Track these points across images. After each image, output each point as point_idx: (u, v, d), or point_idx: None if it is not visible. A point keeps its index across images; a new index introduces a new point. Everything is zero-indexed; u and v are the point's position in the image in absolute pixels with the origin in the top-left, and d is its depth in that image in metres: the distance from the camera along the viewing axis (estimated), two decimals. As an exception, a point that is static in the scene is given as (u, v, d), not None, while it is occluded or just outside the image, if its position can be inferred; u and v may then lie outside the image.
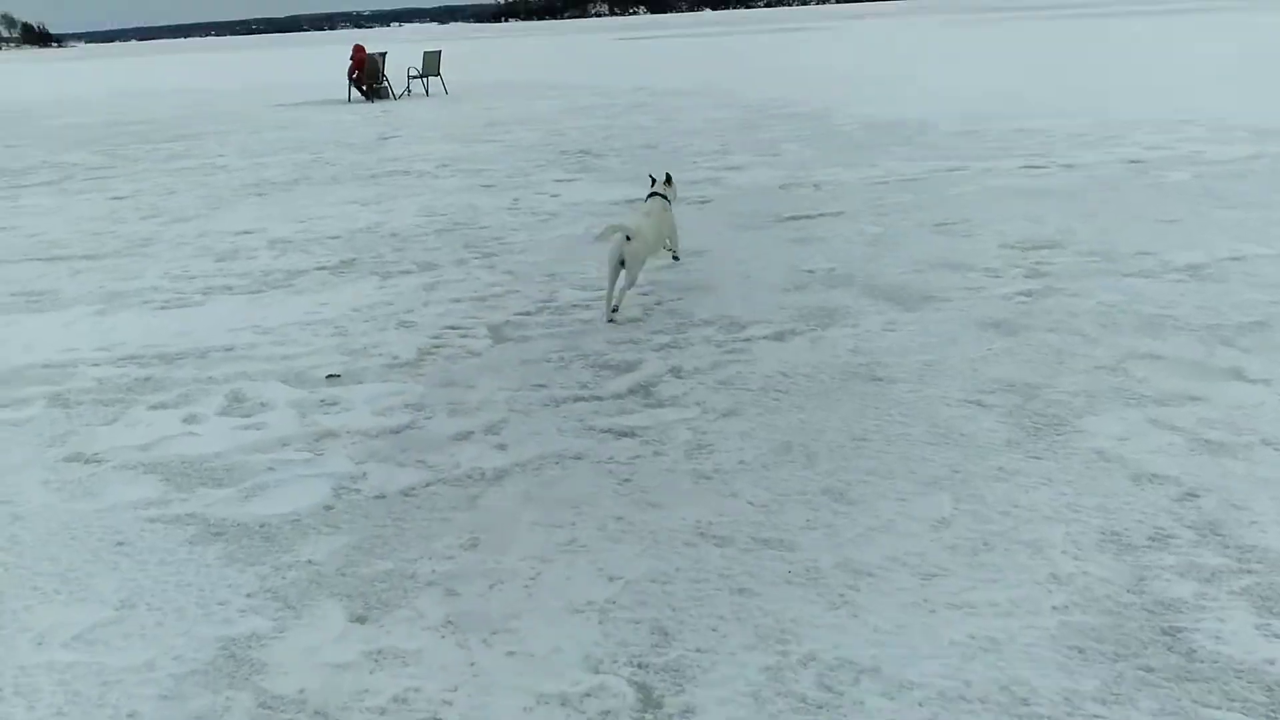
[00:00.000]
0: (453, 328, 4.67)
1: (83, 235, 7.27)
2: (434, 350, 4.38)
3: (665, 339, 4.39)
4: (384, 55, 19.83)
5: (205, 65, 45.70)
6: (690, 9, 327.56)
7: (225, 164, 11.01)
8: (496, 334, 4.57)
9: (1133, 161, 7.99)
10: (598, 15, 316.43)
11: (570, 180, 8.73)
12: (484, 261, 5.93)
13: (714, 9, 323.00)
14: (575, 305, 4.96)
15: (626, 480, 3.11)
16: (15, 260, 6.58)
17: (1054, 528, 2.76)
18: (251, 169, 10.49)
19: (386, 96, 19.62)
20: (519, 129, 13.04)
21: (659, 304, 4.91)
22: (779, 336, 4.33)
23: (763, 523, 2.83)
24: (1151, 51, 20.13)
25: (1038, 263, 5.24)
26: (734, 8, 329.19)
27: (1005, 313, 4.48)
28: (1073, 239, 5.69)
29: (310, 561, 2.74)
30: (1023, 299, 4.66)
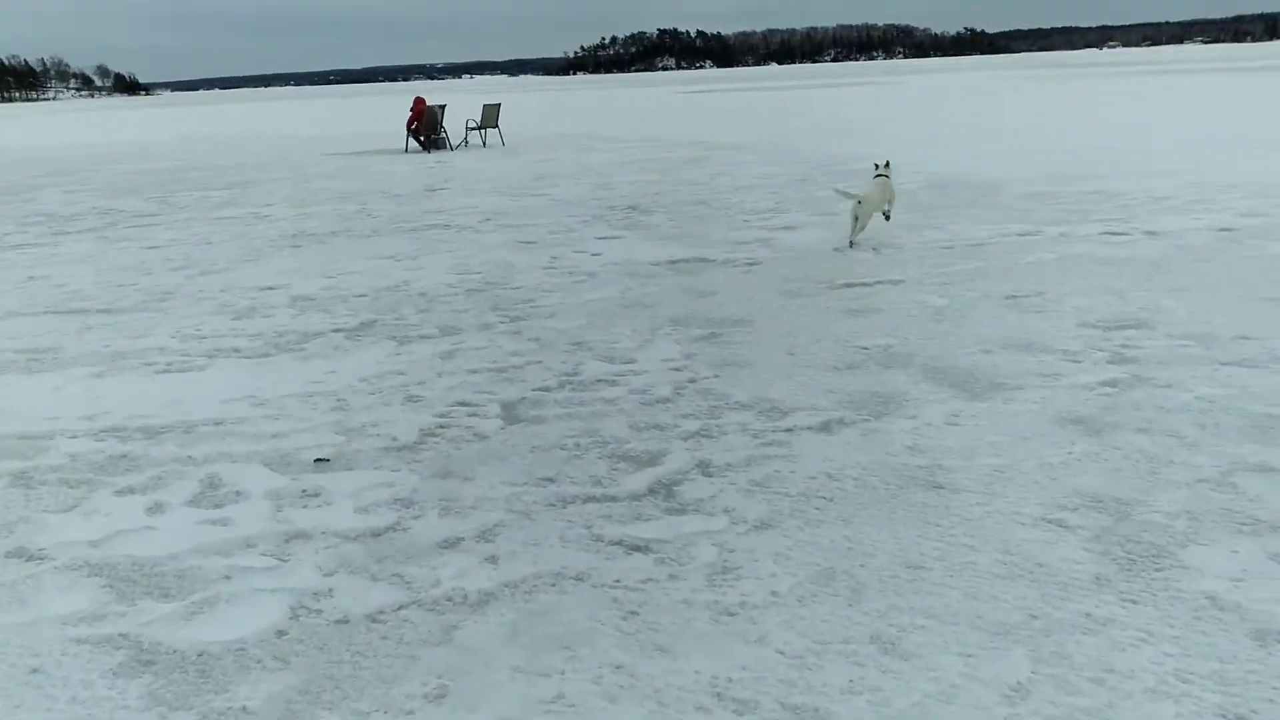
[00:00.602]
0: (463, 404, 4.23)
1: (106, 287, 7.06)
2: (438, 431, 3.95)
3: (695, 425, 3.89)
4: (443, 107, 19.91)
5: (278, 114, 47.00)
6: (756, 64, 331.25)
7: (270, 213, 10.89)
8: (509, 413, 4.12)
9: (1224, 230, 7.33)
10: (664, 69, 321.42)
11: (613, 238, 8.34)
12: (510, 326, 5.52)
13: (779, 63, 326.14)
14: (600, 380, 4.50)
15: (633, 613, 2.61)
16: (33, 313, 6.36)
17: (1161, 705, 2.18)
18: (295, 219, 10.33)
19: (444, 147, 19.65)
20: (568, 182, 12.78)
21: (692, 381, 4.42)
22: (825, 427, 3.81)
23: (795, 682, 2.30)
24: (1232, 110, 19.28)
25: (1123, 345, 4.64)
26: (800, 62, 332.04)
27: (1087, 407, 3.89)
28: (1162, 318, 5.08)
29: (245, 709, 2.28)
30: (1107, 390, 4.07)
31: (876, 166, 7.90)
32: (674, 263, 7.15)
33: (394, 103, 32.63)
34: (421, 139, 19.49)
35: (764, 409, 4.02)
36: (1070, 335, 4.84)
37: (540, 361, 4.81)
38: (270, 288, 6.82)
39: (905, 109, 26.32)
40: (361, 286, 6.71)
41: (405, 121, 19.85)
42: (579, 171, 14.09)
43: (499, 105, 20.49)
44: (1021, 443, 3.59)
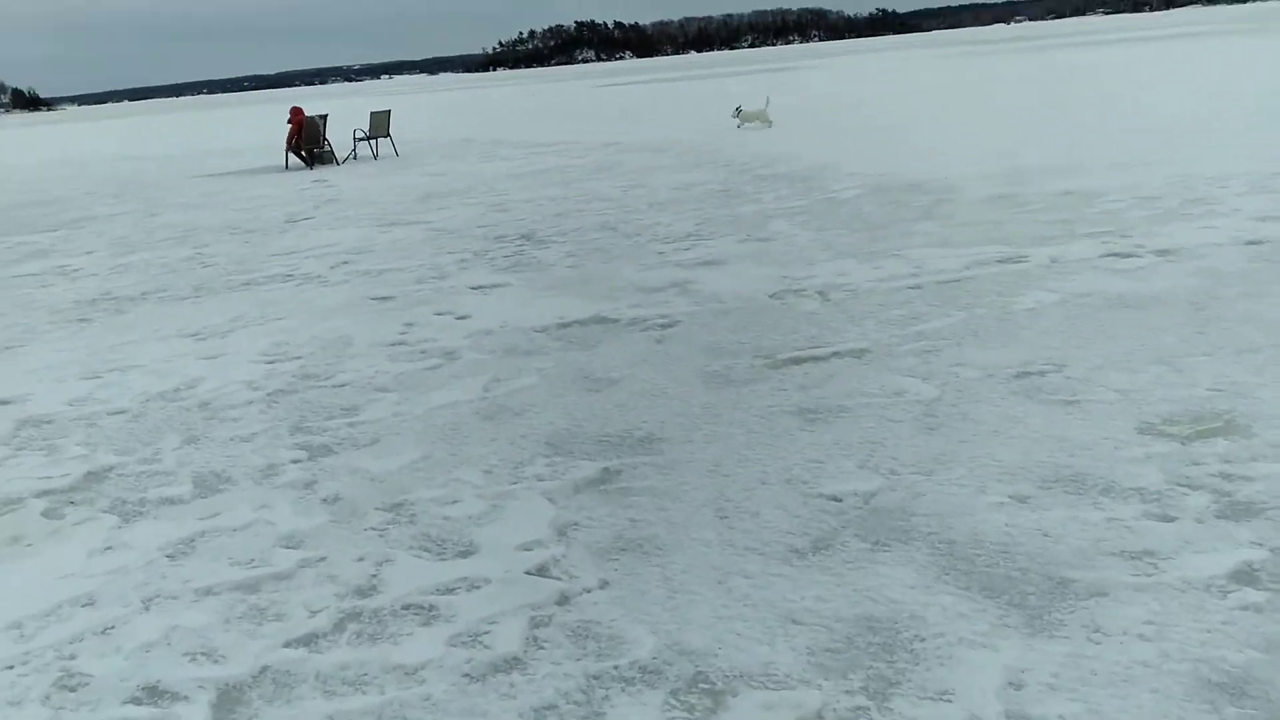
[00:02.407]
0: (149, 693, 2.43)
1: None
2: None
3: (558, 723, 2.17)
4: (325, 117, 17.82)
5: (173, 127, 43.90)
6: (676, 52, 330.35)
7: (81, 266, 8.85)
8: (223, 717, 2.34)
9: (1253, 243, 5.85)
10: (584, 61, 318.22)
11: (493, 288, 6.56)
12: (301, 472, 3.69)
13: (699, 51, 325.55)
14: (407, 609, 2.72)
15: None
16: None
17: None
18: (107, 274, 8.32)
19: (329, 162, 17.59)
20: (457, 203, 10.92)
21: (563, 603, 2.66)
22: (789, 723, 2.11)
23: None
24: (1186, 83, 18.18)
25: (1222, 474, 3.04)
26: (718, 48, 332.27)
27: (1230, 643, 2.26)
28: (1252, 406, 3.50)
29: None
30: (1246, 594, 2.44)
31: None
32: (565, 326, 5.40)
33: (307, 108, 30.08)
34: (303, 154, 17.40)
35: (682, 682, 2.30)
36: (1135, 455, 3.22)
37: (321, 561, 3.01)
38: (2, 402, 4.90)
39: (829, 97, 24.90)
40: (128, 395, 4.82)
41: (286, 136, 17.74)
42: (473, 187, 12.24)
43: (389, 112, 18.47)
44: (1148, 752, 1.94)
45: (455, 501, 3.32)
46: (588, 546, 2.93)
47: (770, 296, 5.65)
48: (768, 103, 16.67)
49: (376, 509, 3.33)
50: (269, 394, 4.65)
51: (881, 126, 15.12)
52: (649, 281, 6.31)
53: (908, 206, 8.08)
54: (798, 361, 4.45)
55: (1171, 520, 2.80)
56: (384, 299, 6.49)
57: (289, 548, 3.12)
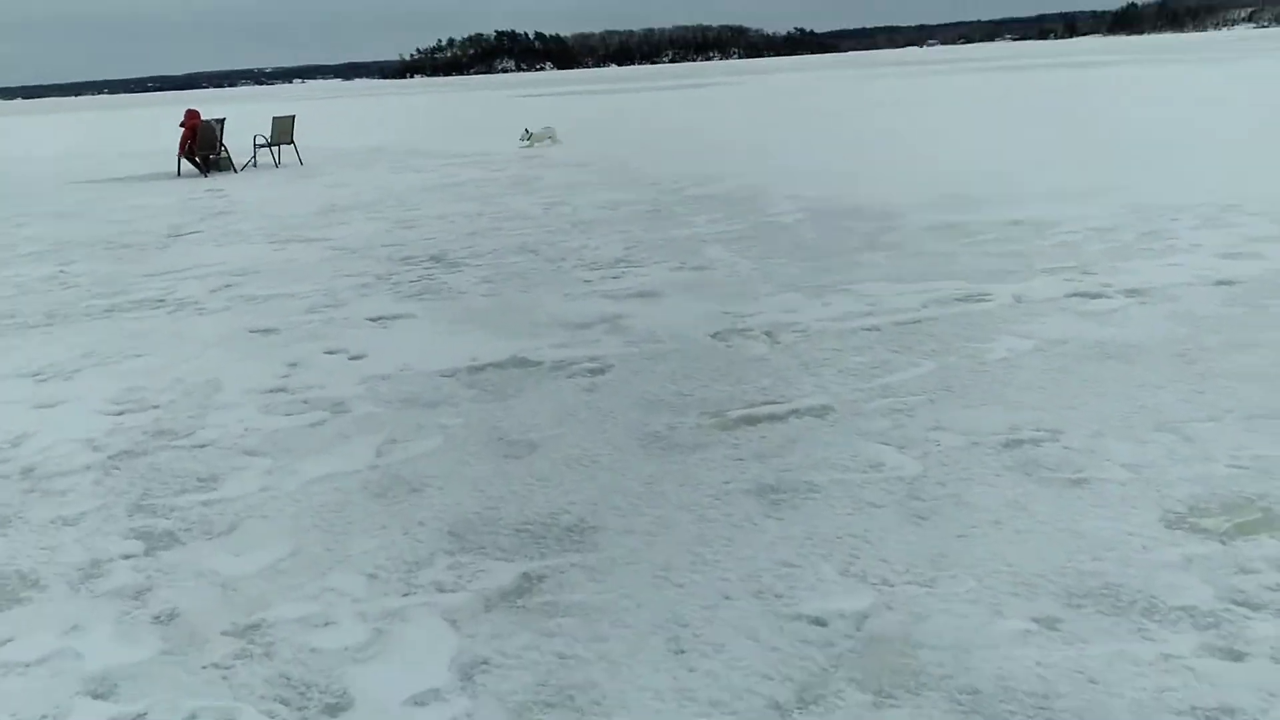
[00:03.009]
0: None
1: None
2: None
3: None
4: (222, 121, 16.61)
5: (61, 128, 41.38)
6: (596, 65, 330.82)
7: (-81, 283, 7.71)
8: None
9: (1222, 283, 5.46)
10: (504, 71, 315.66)
11: (395, 319, 5.77)
12: (131, 574, 2.88)
13: (619, 65, 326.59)
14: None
15: None
16: None
17: None
18: (-53, 293, 7.23)
19: (227, 169, 16.41)
20: (361, 217, 10.05)
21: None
22: None
23: None
24: (1112, 108, 18.33)
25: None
26: (639, 63, 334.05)
27: None
28: (1286, 490, 2.99)
29: None
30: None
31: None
32: (477, 370, 4.66)
33: (207, 111, 28.30)
34: (196, 160, 16.18)
35: None
36: (1170, 559, 2.66)
37: None
38: None
39: (754, 114, 24.62)
40: (-71, 455, 3.91)
41: (179, 140, 16.48)
42: (380, 200, 11.36)
43: (293, 118, 17.35)
44: None
45: (328, 624, 2.56)
46: (501, 700, 2.21)
47: (712, 336, 5.01)
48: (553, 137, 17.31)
49: (224, 633, 2.54)
50: (110, 456, 3.80)
51: (815, 146, 14.75)
52: (575, 315, 5.61)
53: (852, 234, 7.57)
54: (751, 421, 3.81)
55: (1241, 658, 2.23)
56: (267, 331, 5.64)
57: (96, 697, 2.32)
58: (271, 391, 4.50)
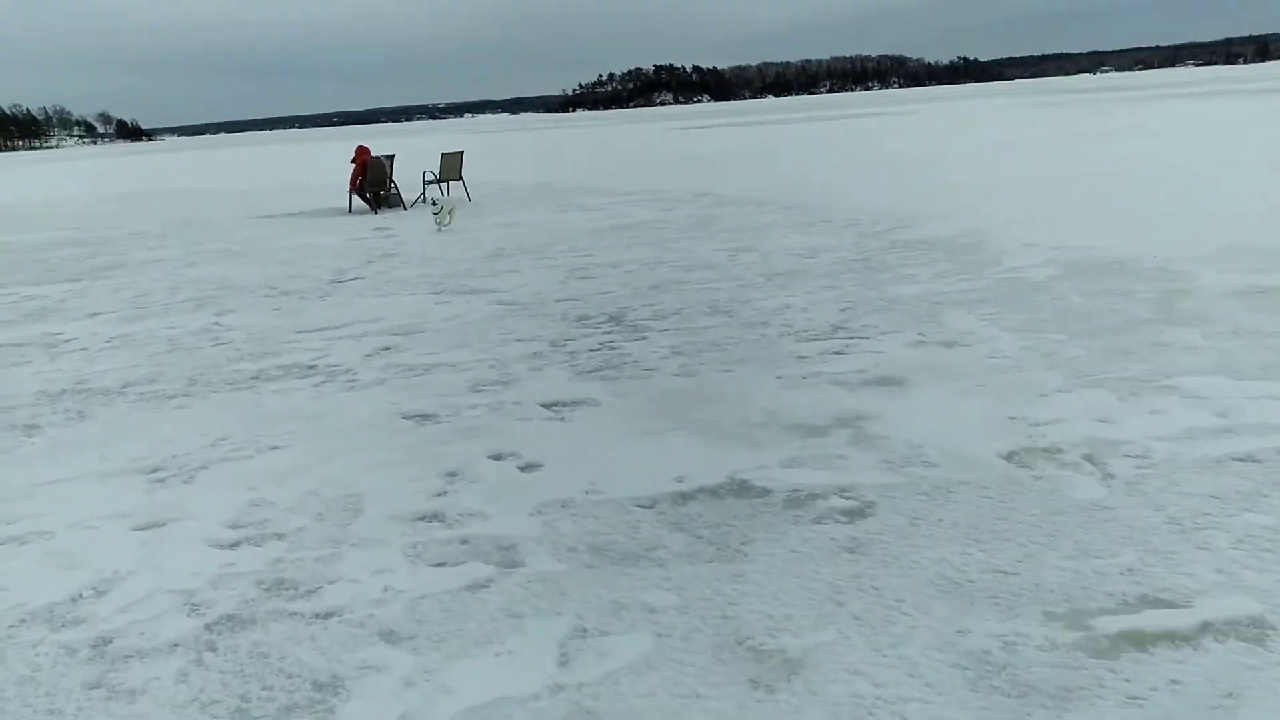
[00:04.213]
0: None
1: None
2: None
3: None
4: (391, 158, 16.39)
5: (253, 161, 43.71)
6: (753, 96, 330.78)
7: (74, 336, 7.24)
8: None
9: None
10: (662, 104, 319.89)
11: (576, 406, 4.67)
12: None
13: (776, 95, 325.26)
14: None
15: None
16: None
17: None
18: (97, 351, 6.68)
19: (397, 205, 16.13)
20: (532, 264, 9.16)
21: None
22: None
23: None
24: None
25: None
26: (795, 94, 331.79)
27: None
28: None
29: None
30: None
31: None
32: (685, 499, 3.48)
33: (378, 145, 29.25)
34: (367, 197, 15.96)
35: None
36: None
37: None
38: None
39: (936, 146, 22.76)
40: (-4, 603, 3.04)
41: (349, 176, 16.34)
42: (550, 243, 10.49)
43: (461, 154, 16.96)
44: None
45: None
46: None
47: (1006, 459, 3.64)
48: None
49: None
50: (208, 626, 2.81)
51: (1022, 183, 12.99)
52: (800, 411, 4.35)
53: (1131, 299, 6.00)
54: (1138, 641, 2.43)
55: None
56: (424, 419, 4.65)
57: None
58: (423, 520, 3.46)
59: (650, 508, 3.43)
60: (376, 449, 4.25)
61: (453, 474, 3.89)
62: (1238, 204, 9.41)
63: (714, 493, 3.52)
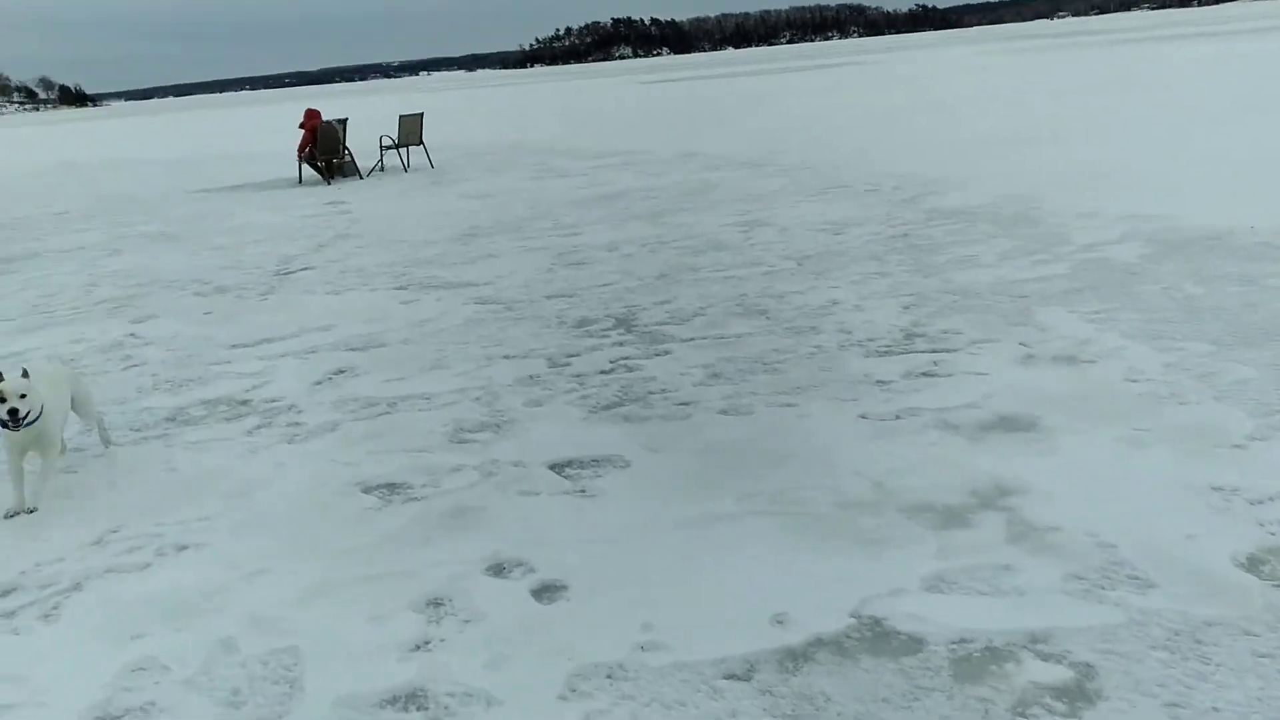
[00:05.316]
0: None
1: None
2: None
3: None
4: (344, 122, 14.84)
5: (195, 125, 41.46)
6: (713, 48, 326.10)
7: (-47, 355, 5.88)
8: None
9: None
10: (622, 58, 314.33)
11: (596, 469, 3.45)
12: None
13: (736, 47, 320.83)
14: None
15: None
16: None
17: None
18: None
19: (352, 174, 14.64)
20: (509, 246, 7.86)
21: None
22: None
23: None
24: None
25: None
26: (756, 45, 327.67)
27: None
28: None
29: None
30: None
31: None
32: (794, 662, 2.28)
33: (331, 107, 27.15)
34: (318, 165, 14.45)
35: None
36: None
37: None
38: None
39: (923, 98, 21.51)
40: None
41: (299, 143, 14.79)
42: (529, 218, 9.18)
43: (421, 115, 15.45)
44: None
45: None
46: None
47: (1248, 568, 2.49)
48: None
49: None
50: None
51: (1040, 138, 11.80)
52: (914, 477, 3.15)
53: (1264, 287, 4.86)
54: None
55: None
56: (390, 491, 3.41)
57: None
58: (390, 708, 2.24)
59: (746, 679, 2.23)
60: (323, 555, 3.00)
61: (434, 603, 2.66)
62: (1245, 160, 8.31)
63: (838, 647, 2.32)
